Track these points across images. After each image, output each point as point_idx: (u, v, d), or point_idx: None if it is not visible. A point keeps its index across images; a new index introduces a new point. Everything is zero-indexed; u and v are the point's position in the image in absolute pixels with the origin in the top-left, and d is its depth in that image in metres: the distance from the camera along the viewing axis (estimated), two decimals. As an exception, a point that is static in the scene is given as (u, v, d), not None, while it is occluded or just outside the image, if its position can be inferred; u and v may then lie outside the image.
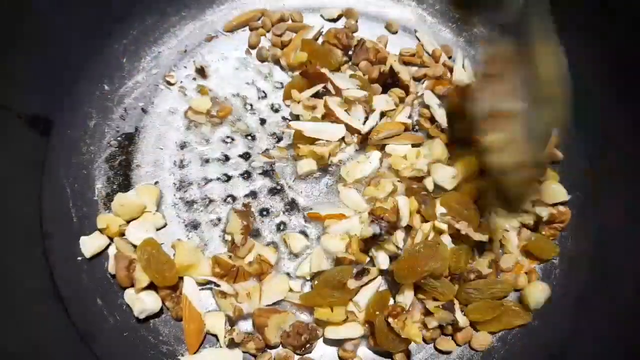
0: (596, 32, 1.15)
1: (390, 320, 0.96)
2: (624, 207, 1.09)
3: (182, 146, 1.19)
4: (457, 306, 1.03)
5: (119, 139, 1.18)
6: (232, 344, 1.00)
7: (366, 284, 1.03)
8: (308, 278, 1.07)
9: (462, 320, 1.03)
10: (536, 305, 1.05)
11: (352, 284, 1.01)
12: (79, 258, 1.07)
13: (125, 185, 1.15)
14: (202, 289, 1.06)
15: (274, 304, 1.05)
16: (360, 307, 1.02)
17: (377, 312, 0.99)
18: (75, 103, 1.18)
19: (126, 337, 1.04)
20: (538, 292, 1.06)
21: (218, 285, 1.03)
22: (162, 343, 1.04)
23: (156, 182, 1.16)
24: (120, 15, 1.23)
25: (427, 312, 1.03)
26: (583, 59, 1.17)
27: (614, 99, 1.15)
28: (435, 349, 1.05)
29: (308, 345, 1.01)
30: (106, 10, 1.21)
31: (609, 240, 1.09)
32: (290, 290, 1.05)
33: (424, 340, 1.05)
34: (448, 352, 1.05)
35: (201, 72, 1.24)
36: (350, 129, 1.15)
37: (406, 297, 1.02)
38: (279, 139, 1.20)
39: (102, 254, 1.09)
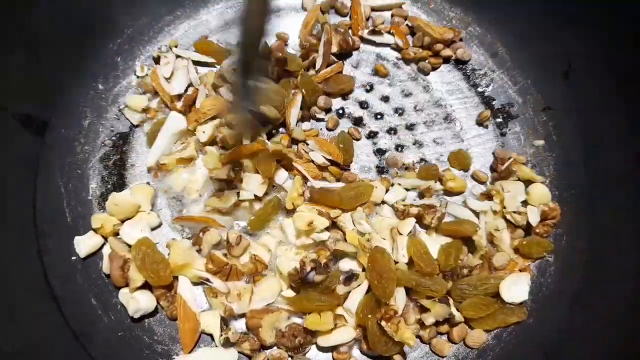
0: (596, 31, 1.15)
1: (383, 323, 0.95)
2: (618, 205, 1.09)
3: (177, 145, 1.19)
4: (451, 303, 1.03)
5: (113, 138, 1.18)
6: (227, 343, 1.00)
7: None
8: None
9: (457, 315, 1.03)
10: (512, 299, 1.04)
11: (340, 289, 1.00)
12: (74, 258, 1.07)
13: (120, 184, 1.15)
14: (195, 283, 1.06)
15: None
16: (351, 312, 1.01)
17: (369, 316, 0.98)
18: (69, 103, 1.18)
19: (121, 337, 1.04)
20: (512, 285, 1.04)
21: (211, 283, 1.03)
22: (156, 342, 1.04)
23: (147, 182, 1.15)
24: (114, 15, 1.23)
25: (423, 310, 1.02)
26: (582, 58, 1.18)
27: (610, 98, 1.14)
28: (432, 351, 1.05)
29: (301, 348, 1.01)
30: (100, 9, 1.20)
31: (604, 238, 1.09)
32: (281, 293, 1.05)
33: (422, 340, 1.05)
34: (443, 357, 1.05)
35: (157, 60, 1.24)
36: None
37: (398, 300, 1.01)
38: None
39: (96, 254, 1.09)
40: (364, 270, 1.04)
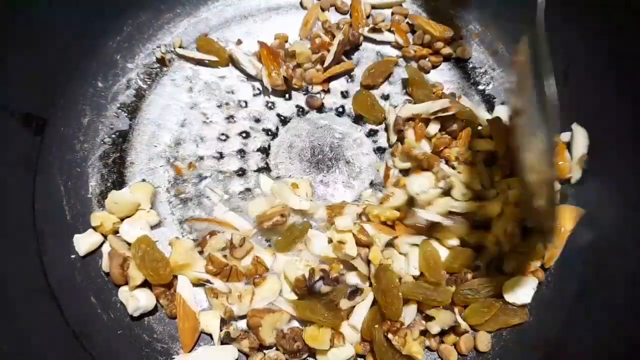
0: (596, 31, 1.15)
1: (390, 336, 0.95)
2: (618, 205, 1.09)
3: (177, 143, 1.19)
4: (456, 311, 1.03)
5: (112, 136, 1.18)
6: (227, 338, 1.00)
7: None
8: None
9: (463, 325, 1.02)
10: (514, 299, 1.03)
11: (344, 304, 1.00)
12: (73, 256, 1.07)
13: (120, 182, 1.15)
14: (195, 285, 1.06)
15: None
16: (356, 329, 1.00)
17: (376, 326, 0.98)
18: (68, 101, 1.18)
19: (120, 335, 1.04)
20: (517, 286, 1.04)
21: (211, 283, 1.03)
22: (156, 341, 1.04)
23: (144, 179, 1.15)
24: (113, 13, 1.23)
25: (428, 319, 1.02)
26: (582, 58, 1.18)
27: (610, 98, 1.14)
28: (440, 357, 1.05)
29: (299, 353, 1.00)
30: (100, 7, 1.20)
31: (604, 238, 1.09)
32: (282, 294, 1.04)
33: (430, 349, 1.04)
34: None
35: (162, 61, 1.24)
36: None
37: (408, 315, 1.00)
38: (274, 136, 1.21)
39: (96, 252, 1.09)
40: (370, 285, 1.03)
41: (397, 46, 1.29)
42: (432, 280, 1.00)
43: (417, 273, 1.03)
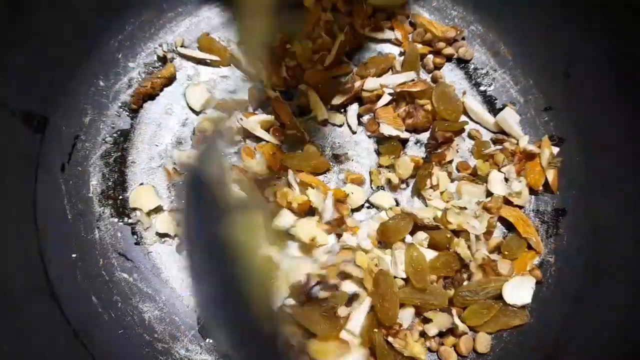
0: (596, 31, 1.15)
1: (390, 339, 0.95)
2: (618, 205, 1.09)
3: (178, 142, 1.18)
4: (454, 313, 1.03)
5: (114, 135, 1.18)
6: None
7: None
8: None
9: (460, 326, 1.02)
10: (514, 301, 1.04)
11: (342, 311, 0.99)
12: (73, 255, 1.07)
13: (121, 181, 1.15)
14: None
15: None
16: (354, 334, 1.00)
17: (375, 330, 0.98)
18: (70, 99, 1.17)
19: (121, 335, 1.04)
20: (515, 287, 1.04)
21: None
22: (157, 341, 1.04)
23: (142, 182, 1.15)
24: (115, 11, 1.22)
25: (425, 321, 1.02)
26: (583, 58, 1.18)
27: (610, 98, 1.14)
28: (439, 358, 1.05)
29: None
30: (101, 5, 1.20)
31: (604, 238, 1.09)
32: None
33: (430, 350, 1.04)
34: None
35: (163, 59, 1.24)
36: None
37: (404, 317, 1.00)
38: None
39: (96, 251, 1.08)
40: (364, 289, 1.03)
41: (397, 43, 1.29)
42: (418, 287, 1.00)
43: (404, 275, 1.02)
